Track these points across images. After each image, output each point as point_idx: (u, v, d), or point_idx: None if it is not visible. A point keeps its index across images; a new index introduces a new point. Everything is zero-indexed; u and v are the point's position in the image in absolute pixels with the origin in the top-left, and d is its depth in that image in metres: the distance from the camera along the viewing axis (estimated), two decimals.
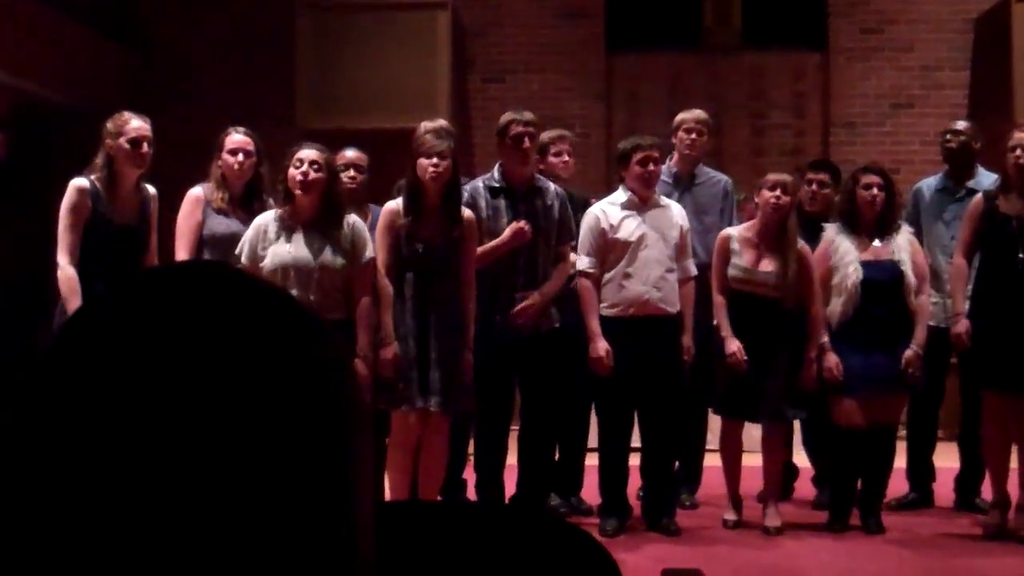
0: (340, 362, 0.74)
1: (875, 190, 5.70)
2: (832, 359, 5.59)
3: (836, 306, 5.65)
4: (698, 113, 6.48)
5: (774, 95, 9.50)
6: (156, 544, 0.67)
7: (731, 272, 5.72)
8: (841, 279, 5.64)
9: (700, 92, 9.29)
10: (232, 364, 0.70)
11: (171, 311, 0.71)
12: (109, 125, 5.09)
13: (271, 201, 5.24)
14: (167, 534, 0.67)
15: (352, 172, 5.62)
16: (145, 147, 5.09)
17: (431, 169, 5.11)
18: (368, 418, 0.77)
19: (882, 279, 5.61)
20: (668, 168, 6.33)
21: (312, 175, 4.97)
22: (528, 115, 5.68)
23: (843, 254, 5.66)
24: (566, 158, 6.18)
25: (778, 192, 5.64)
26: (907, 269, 5.63)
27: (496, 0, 9.52)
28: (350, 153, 5.69)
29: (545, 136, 6.11)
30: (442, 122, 6.08)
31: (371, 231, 5.31)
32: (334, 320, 5.02)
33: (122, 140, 5.05)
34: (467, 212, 5.29)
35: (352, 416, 0.74)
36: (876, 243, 5.70)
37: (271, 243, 4.99)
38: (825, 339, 5.63)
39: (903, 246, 5.69)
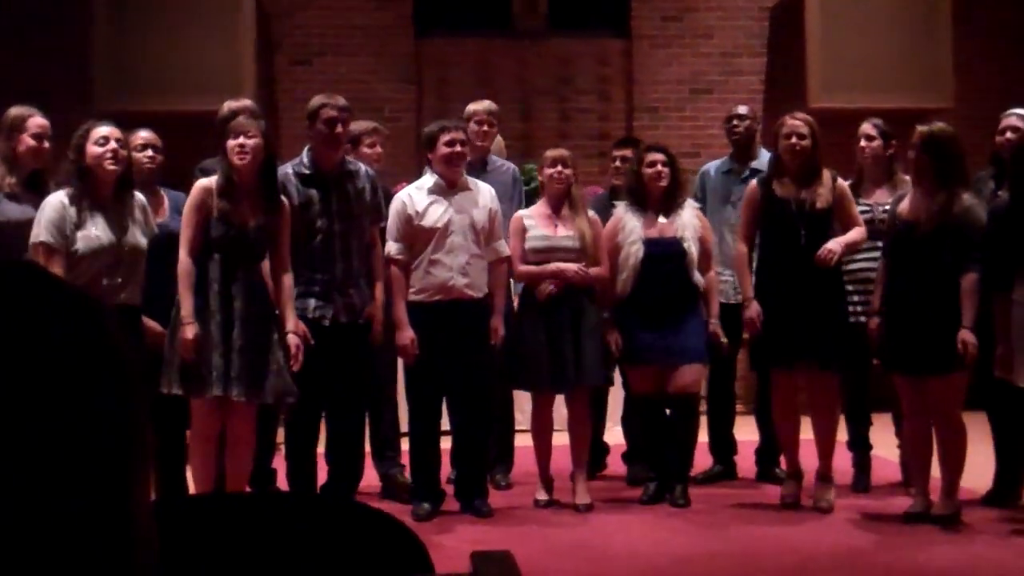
0: (120, 353, 0.72)
1: (659, 167, 5.91)
2: (613, 334, 5.78)
3: (619, 281, 5.84)
4: (488, 104, 6.66)
5: (580, 80, 9.63)
6: None
7: (531, 244, 5.84)
8: (625, 257, 5.82)
9: (508, 77, 9.37)
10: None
11: None
12: None
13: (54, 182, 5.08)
14: None
15: (151, 152, 5.48)
16: None
17: (237, 150, 5.00)
18: (147, 413, 0.74)
19: (666, 256, 5.81)
20: None
21: (121, 153, 4.87)
22: (340, 100, 5.62)
23: (628, 232, 5.87)
24: (379, 150, 6.21)
25: (559, 167, 5.86)
26: (690, 246, 5.83)
27: None
28: (145, 133, 5.54)
29: (357, 127, 6.12)
30: (247, 102, 5.96)
31: (174, 215, 5.21)
32: (134, 305, 4.91)
33: None
34: (284, 198, 5.21)
35: (132, 410, 0.71)
36: (662, 220, 5.90)
37: (77, 226, 4.82)
38: (605, 314, 5.82)
39: (688, 223, 5.90)
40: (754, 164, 6.52)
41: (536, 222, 5.91)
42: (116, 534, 0.69)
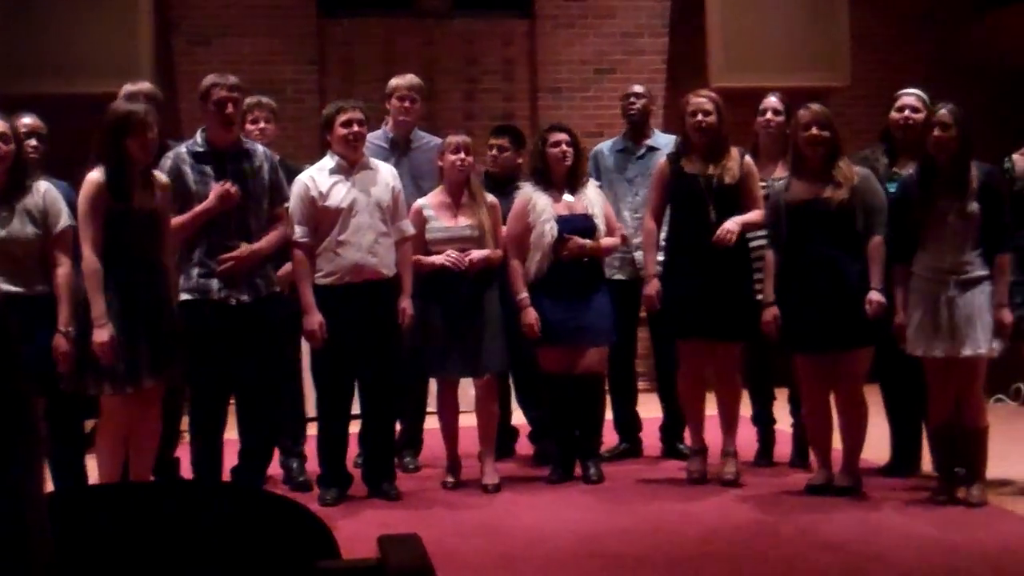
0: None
1: (564, 146, 5.95)
2: (531, 315, 5.79)
3: (532, 262, 5.85)
4: (411, 79, 6.54)
5: (485, 61, 9.61)
6: None
7: (431, 235, 5.83)
8: (539, 235, 5.84)
9: (413, 57, 9.31)
10: None
11: None
12: None
13: None
14: None
15: (35, 141, 5.36)
16: None
17: (143, 146, 4.92)
18: (34, 404, 0.73)
19: (579, 232, 5.86)
20: (385, 133, 6.42)
21: (3, 148, 4.77)
22: (231, 79, 5.52)
23: (540, 212, 5.88)
24: (263, 125, 6.08)
25: (461, 154, 5.82)
26: (599, 221, 5.89)
27: None
28: (29, 120, 5.41)
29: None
30: (145, 84, 5.85)
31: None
32: (34, 295, 4.81)
33: None
34: (162, 177, 5.10)
35: (14, 398, 0.69)
36: (569, 197, 5.93)
37: None
38: (524, 294, 5.82)
39: (594, 199, 5.97)
40: (648, 142, 6.58)
41: (436, 212, 5.87)
42: (7, 523, 0.67)
